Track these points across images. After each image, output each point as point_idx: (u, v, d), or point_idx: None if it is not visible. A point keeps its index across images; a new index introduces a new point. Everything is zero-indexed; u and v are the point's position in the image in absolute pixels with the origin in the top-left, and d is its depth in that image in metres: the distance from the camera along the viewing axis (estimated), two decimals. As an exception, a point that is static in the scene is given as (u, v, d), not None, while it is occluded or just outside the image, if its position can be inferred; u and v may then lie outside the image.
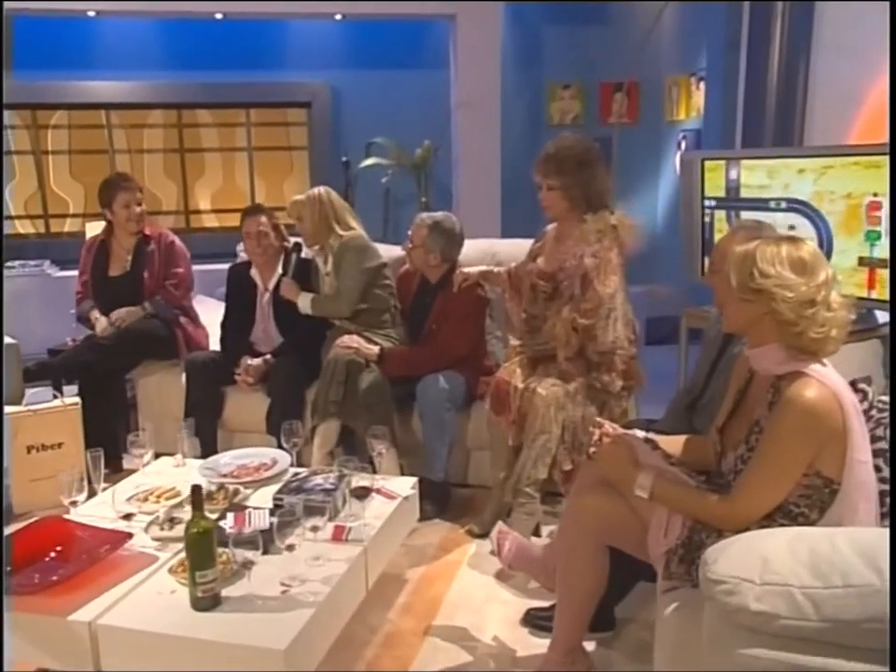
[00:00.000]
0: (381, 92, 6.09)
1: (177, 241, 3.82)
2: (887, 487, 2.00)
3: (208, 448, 3.37)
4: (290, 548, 2.06)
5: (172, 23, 5.81)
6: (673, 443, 2.08)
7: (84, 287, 3.78)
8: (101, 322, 3.64)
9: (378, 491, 2.60)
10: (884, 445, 2.03)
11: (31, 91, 5.83)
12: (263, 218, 3.55)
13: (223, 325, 3.66)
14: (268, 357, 3.46)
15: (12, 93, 5.75)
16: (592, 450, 1.95)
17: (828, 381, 1.69)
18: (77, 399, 3.37)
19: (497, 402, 2.96)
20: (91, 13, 5.18)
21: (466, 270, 3.21)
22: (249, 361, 3.43)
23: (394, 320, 3.46)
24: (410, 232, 3.35)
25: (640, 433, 2.08)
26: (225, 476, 2.72)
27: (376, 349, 3.21)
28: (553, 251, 2.96)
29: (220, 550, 2.09)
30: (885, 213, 2.85)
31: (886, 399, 2.15)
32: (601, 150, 2.94)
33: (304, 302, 3.43)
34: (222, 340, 3.66)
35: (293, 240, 3.65)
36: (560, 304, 2.84)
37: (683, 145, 6.34)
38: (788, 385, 1.72)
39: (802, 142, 4.62)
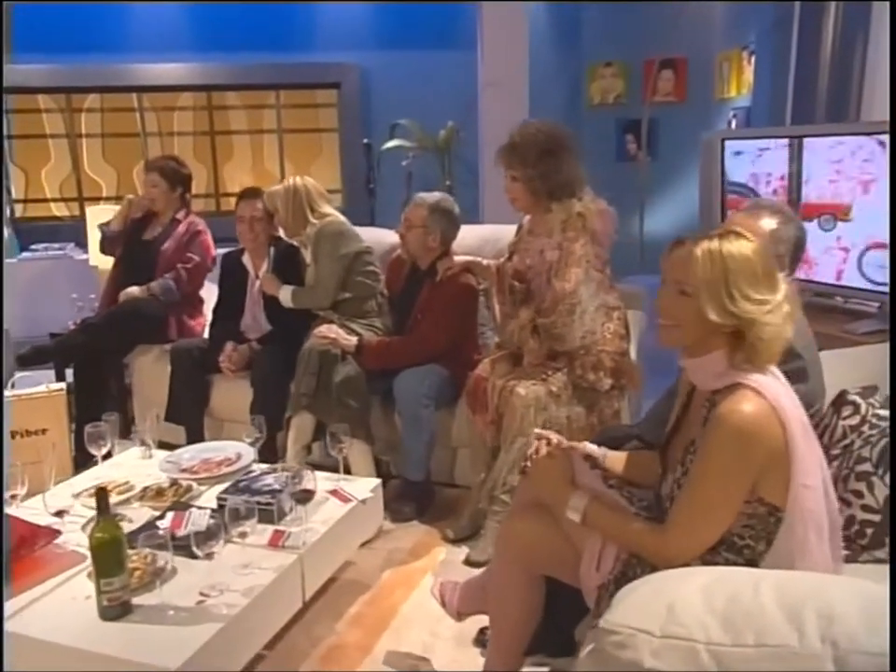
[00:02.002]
0: (410, 73, 5.94)
1: (205, 234, 3.76)
2: (869, 517, 1.77)
3: (195, 437, 3.31)
4: (210, 555, 1.93)
5: (201, 5, 5.76)
6: (621, 460, 1.86)
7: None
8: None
9: (334, 493, 2.47)
10: (868, 468, 1.78)
11: (65, 75, 5.87)
12: (259, 203, 3.44)
13: (214, 311, 3.58)
14: (253, 343, 3.35)
15: (45, 77, 5.83)
16: (525, 464, 1.76)
17: (768, 393, 1.46)
18: (63, 385, 3.34)
19: (474, 400, 2.78)
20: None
21: (454, 258, 3.03)
22: (232, 347, 3.33)
23: (380, 309, 3.32)
24: (406, 214, 3.14)
25: (592, 447, 1.86)
26: (185, 471, 2.63)
27: (354, 340, 3.06)
28: (526, 246, 2.76)
29: (147, 551, 1.99)
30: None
31: (883, 413, 1.89)
32: (574, 137, 2.74)
33: (285, 295, 3.31)
34: (211, 326, 3.57)
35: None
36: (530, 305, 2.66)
37: (734, 124, 5.98)
38: (723, 398, 1.49)
39: (859, 119, 4.29)
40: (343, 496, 2.44)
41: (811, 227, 2.93)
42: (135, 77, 5.97)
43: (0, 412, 3.10)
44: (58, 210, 6.23)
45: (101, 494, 1.82)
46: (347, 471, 2.87)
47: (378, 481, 2.60)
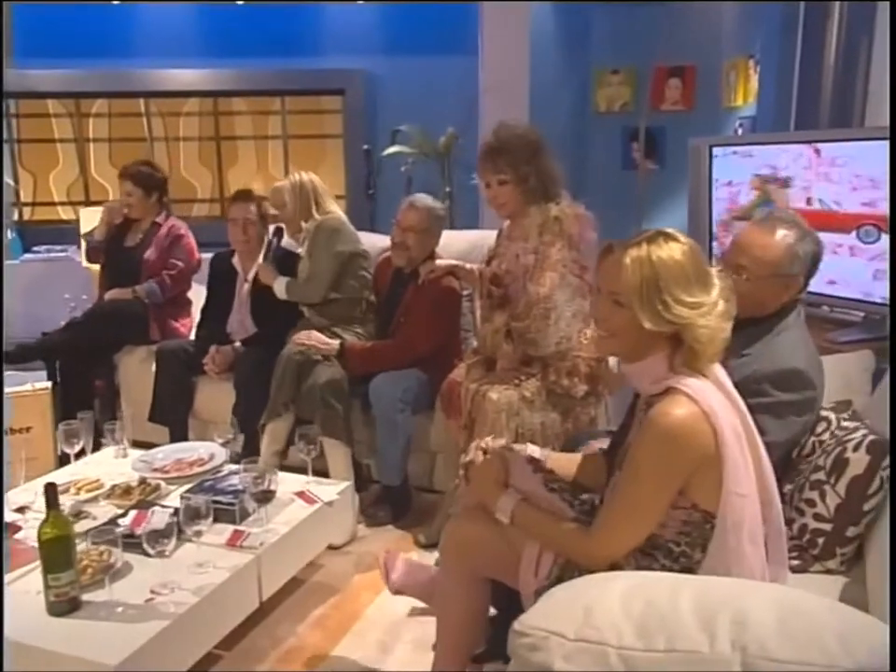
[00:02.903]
0: (415, 79, 5.94)
1: (188, 236, 3.79)
2: (820, 525, 1.74)
3: (179, 438, 3.32)
4: (161, 553, 1.93)
5: (208, 12, 5.82)
6: (572, 463, 1.84)
7: None
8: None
9: (301, 494, 2.46)
10: (822, 476, 1.75)
11: (74, 80, 5.94)
12: (252, 206, 3.45)
13: (202, 313, 3.59)
14: (237, 344, 3.35)
15: (55, 82, 5.91)
16: (463, 464, 1.74)
17: (701, 398, 1.43)
18: (48, 384, 3.36)
19: (448, 405, 2.77)
20: (116, 1, 5.21)
21: (436, 262, 3.02)
22: (215, 349, 3.33)
23: (365, 316, 3.31)
24: (402, 219, 3.07)
25: (534, 448, 1.84)
26: (157, 470, 2.64)
27: (336, 343, 3.06)
28: (504, 251, 2.75)
29: (103, 548, 2.00)
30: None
31: (848, 424, 1.86)
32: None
33: (280, 286, 3.29)
34: (198, 328, 3.59)
35: (271, 227, 3.53)
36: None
37: (740, 132, 5.94)
38: (657, 402, 1.47)
39: (864, 125, 4.25)
40: (309, 497, 2.44)
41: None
42: (143, 83, 6.03)
43: (0, 411, 3.14)
44: (65, 213, 6.30)
45: (49, 489, 1.83)
46: (325, 474, 2.87)
47: (348, 483, 2.59)
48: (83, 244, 3.93)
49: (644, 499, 1.44)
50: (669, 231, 1.49)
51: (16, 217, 6.13)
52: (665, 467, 1.42)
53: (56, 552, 1.81)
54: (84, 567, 1.93)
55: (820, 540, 1.71)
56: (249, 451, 3.03)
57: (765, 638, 1.11)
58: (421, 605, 2.21)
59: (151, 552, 1.92)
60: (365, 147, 5.58)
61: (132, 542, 2.05)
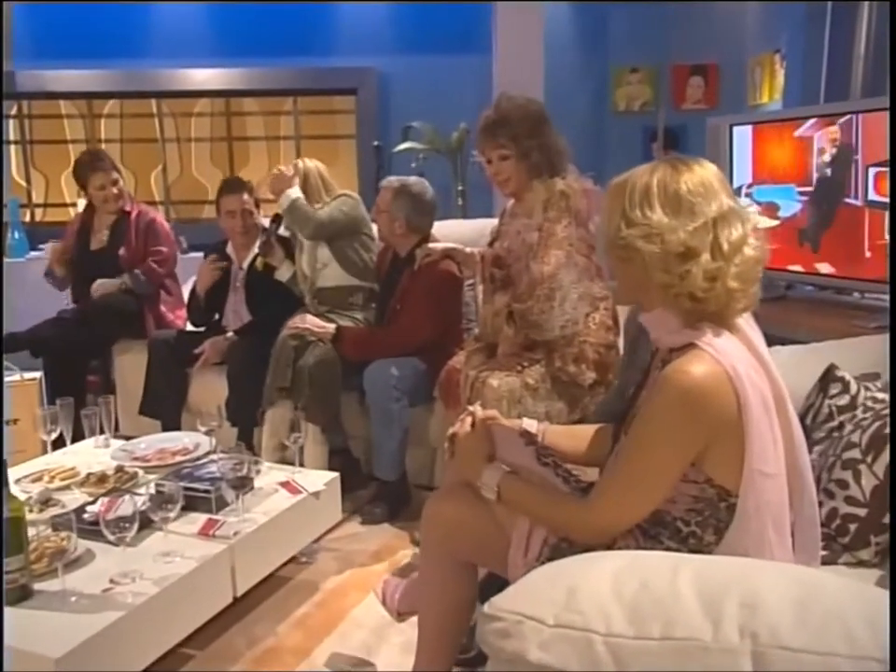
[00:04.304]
0: (428, 78, 5.82)
1: (158, 218, 3.67)
2: (852, 510, 1.53)
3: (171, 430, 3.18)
4: (121, 540, 1.77)
5: (220, 11, 5.76)
6: (578, 438, 1.66)
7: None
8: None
9: (285, 484, 2.30)
10: (856, 455, 1.55)
11: (86, 81, 5.90)
12: (246, 196, 3.33)
13: (189, 300, 3.47)
14: (230, 334, 3.22)
15: (65, 83, 5.87)
16: (448, 436, 1.57)
17: (724, 357, 1.25)
18: (37, 375, 3.25)
19: (447, 393, 2.60)
20: (125, -4, 5.16)
21: (431, 245, 2.86)
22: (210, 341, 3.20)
23: (365, 304, 3.16)
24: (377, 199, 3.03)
25: (529, 422, 1.66)
26: (137, 459, 2.50)
27: (332, 327, 2.91)
28: (506, 229, 2.58)
29: (63, 535, 1.86)
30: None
31: (882, 396, 1.66)
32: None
33: (286, 199, 3.05)
34: (189, 312, 3.46)
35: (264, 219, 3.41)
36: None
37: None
38: (675, 359, 1.29)
39: None
40: (294, 487, 2.28)
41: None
42: (155, 83, 5.96)
43: (0, 420, 3.02)
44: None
45: (-2, 466, 1.68)
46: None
47: (335, 474, 2.42)
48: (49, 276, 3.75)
49: (651, 467, 1.26)
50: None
51: (28, 218, 6.08)
52: (677, 432, 1.23)
53: (3, 534, 1.66)
54: (39, 555, 1.78)
55: (852, 527, 1.51)
56: (244, 444, 2.90)
57: (779, 624, 0.93)
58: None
59: (111, 538, 1.77)
60: (375, 143, 5.46)
61: (97, 530, 1.90)
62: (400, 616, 1.88)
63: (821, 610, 0.94)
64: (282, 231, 3.38)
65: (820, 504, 1.56)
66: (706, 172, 1.30)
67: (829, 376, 1.71)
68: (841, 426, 1.65)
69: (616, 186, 1.35)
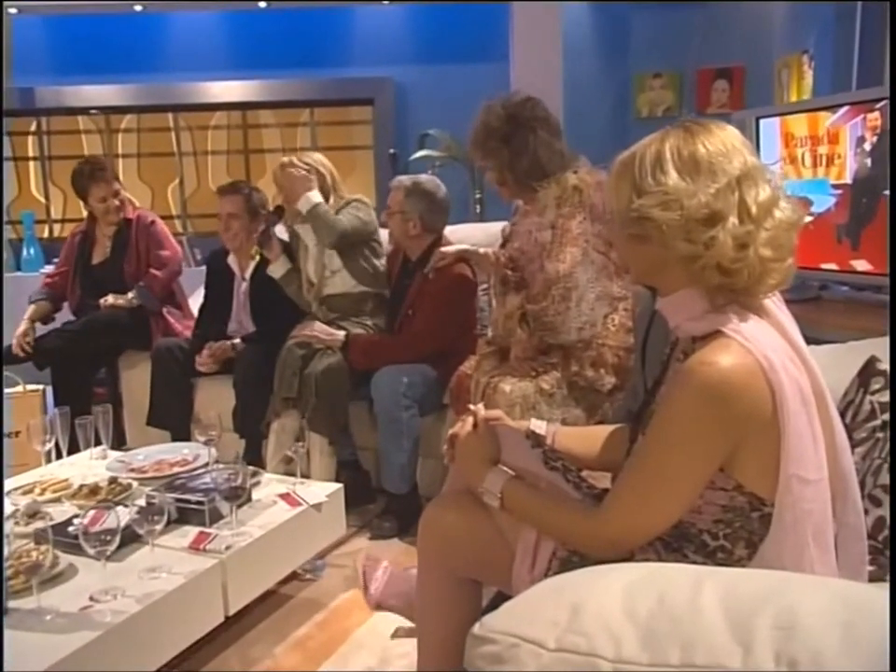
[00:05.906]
0: (445, 87, 5.74)
1: (157, 221, 3.58)
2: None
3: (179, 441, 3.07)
4: (102, 554, 1.65)
5: (233, 21, 5.74)
6: (592, 440, 1.51)
7: (59, 276, 3.63)
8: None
9: (285, 496, 2.18)
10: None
11: (102, 96, 5.90)
12: (237, 198, 3.23)
13: (199, 312, 3.38)
14: (236, 341, 3.11)
15: (83, 98, 5.87)
16: (448, 439, 1.44)
17: (756, 345, 1.10)
18: (40, 386, 3.16)
19: (458, 400, 2.47)
20: (138, 7, 5.14)
21: (444, 249, 2.73)
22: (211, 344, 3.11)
23: (375, 311, 3.04)
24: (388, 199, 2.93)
25: (538, 423, 1.52)
26: (133, 471, 2.39)
27: (341, 334, 2.79)
28: (518, 229, 2.47)
29: (44, 548, 1.74)
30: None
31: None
32: (546, 109, 2.43)
33: (305, 203, 2.91)
34: (196, 328, 3.36)
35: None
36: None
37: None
38: (700, 349, 1.14)
39: None
40: (294, 500, 2.15)
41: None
42: (172, 96, 5.95)
43: (0, 428, 2.95)
44: (94, 229, 6.21)
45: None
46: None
47: (338, 486, 2.30)
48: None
49: (671, 473, 1.11)
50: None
51: (46, 234, 6.06)
52: (702, 432, 1.08)
53: (-27, 549, 1.55)
54: (15, 570, 1.67)
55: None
56: (251, 456, 2.80)
57: (822, 649, 0.77)
58: (409, 624, 1.89)
59: (91, 552, 1.65)
60: (391, 151, 5.37)
61: (73, 543, 1.79)
62: (378, 606, 1.74)
63: (870, 633, 0.79)
64: (281, 232, 3.29)
65: (866, 513, 1.40)
66: (725, 132, 1.17)
67: (869, 370, 1.55)
68: (885, 424, 1.48)
69: (622, 161, 1.22)
